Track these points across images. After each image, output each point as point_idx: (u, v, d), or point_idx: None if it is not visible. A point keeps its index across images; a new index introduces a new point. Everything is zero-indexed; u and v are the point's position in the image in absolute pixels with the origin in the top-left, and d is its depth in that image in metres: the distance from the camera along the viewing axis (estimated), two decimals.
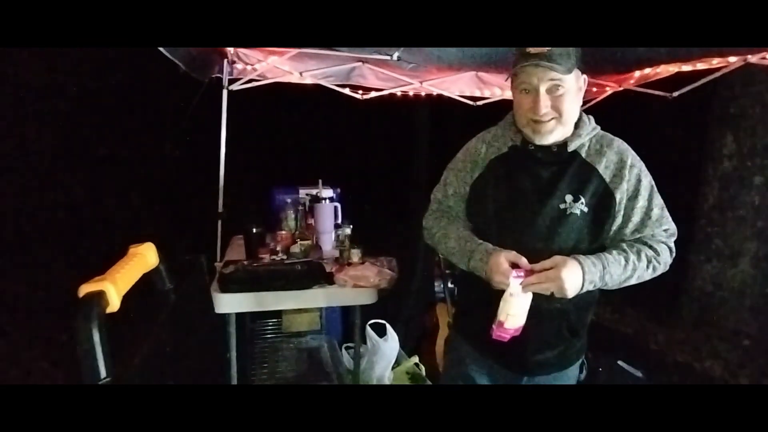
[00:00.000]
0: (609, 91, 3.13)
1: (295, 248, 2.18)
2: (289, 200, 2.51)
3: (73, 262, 4.03)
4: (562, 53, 1.10)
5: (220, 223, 2.73)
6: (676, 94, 2.82)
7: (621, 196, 1.18)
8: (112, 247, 0.92)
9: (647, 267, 1.17)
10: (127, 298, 0.71)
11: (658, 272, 1.21)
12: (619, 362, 2.39)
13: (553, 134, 1.18)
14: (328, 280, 1.89)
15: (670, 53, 2.35)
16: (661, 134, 4.41)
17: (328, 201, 2.37)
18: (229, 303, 1.75)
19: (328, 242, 2.29)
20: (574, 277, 1.08)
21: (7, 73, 5.06)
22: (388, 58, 2.30)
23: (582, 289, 1.11)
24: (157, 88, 4.41)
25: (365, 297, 1.87)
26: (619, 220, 1.20)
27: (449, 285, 2.77)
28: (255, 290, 1.78)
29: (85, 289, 0.65)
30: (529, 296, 1.11)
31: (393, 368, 2.56)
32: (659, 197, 1.22)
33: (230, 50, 2.62)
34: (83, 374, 0.60)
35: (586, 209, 1.17)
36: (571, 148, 1.20)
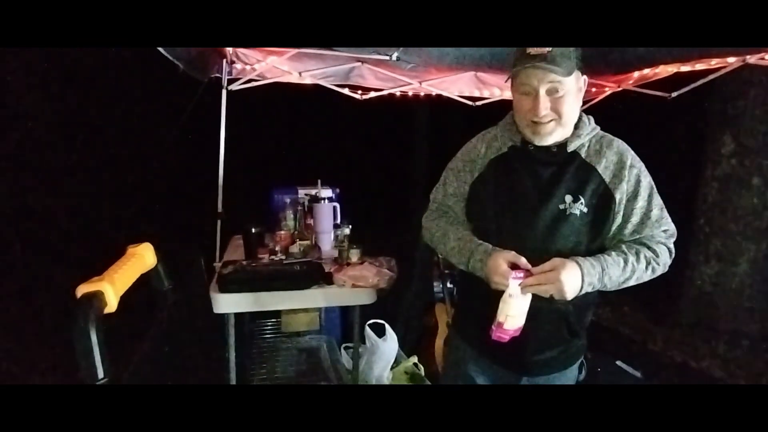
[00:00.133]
0: (608, 91, 3.13)
1: (294, 248, 2.18)
2: (288, 200, 2.51)
3: (71, 262, 4.03)
4: (562, 55, 1.10)
5: (219, 223, 2.73)
6: (675, 94, 2.83)
7: (620, 196, 1.18)
8: (110, 248, 0.92)
9: (646, 268, 1.17)
10: (125, 299, 0.70)
11: (657, 273, 1.21)
12: (618, 362, 2.39)
13: (552, 135, 1.18)
14: (327, 280, 1.88)
15: (669, 53, 2.36)
16: (660, 134, 4.41)
17: (327, 201, 2.37)
18: (228, 303, 1.75)
19: (327, 242, 2.28)
20: (573, 279, 1.08)
21: (8, 73, 5.05)
22: (387, 58, 2.30)
23: (581, 291, 1.11)
24: (156, 88, 4.40)
25: (364, 297, 1.87)
26: (618, 220, 1.19)
27: (448, 285, 2.76)
28: (254, 290, 1.77)
29: (82, 290, 0.65)
30: (529, 297, 1.11)
31: (392, 368, 2.56)
32: (659, 198, 1.22)
33: (229, 50, 2.62)
34: (81, 374, 0.60)
35: (585, 210, 1.17)
36: (570, 148, 1.20)
